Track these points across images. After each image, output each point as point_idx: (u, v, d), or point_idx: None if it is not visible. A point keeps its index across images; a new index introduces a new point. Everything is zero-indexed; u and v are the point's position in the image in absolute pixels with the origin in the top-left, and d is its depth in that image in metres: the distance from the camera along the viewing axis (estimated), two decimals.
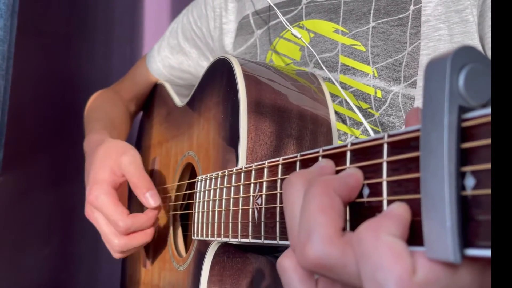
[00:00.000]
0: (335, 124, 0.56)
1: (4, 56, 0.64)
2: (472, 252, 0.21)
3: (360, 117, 0.53)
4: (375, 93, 0.56)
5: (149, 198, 0.59)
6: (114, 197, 0.59)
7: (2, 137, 0.69)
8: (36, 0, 0.96)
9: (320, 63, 0.58)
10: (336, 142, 0.55)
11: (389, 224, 0.23)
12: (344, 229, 0.26)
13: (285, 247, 0.51)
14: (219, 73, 0.58)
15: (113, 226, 0.59)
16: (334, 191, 0.27)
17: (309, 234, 0.25)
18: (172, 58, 0.86)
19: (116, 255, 0.62)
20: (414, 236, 0.24)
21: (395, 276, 0.22)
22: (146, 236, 0.60)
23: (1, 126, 0.68)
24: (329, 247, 0.25)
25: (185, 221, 0.71)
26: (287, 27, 0.62)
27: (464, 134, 0.22)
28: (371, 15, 0.58)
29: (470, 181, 0.21)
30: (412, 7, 0.56)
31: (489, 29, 0.51)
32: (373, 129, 0.56)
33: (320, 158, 0.33)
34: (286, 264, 0.29)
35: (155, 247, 0.72)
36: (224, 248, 0.51)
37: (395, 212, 0.24)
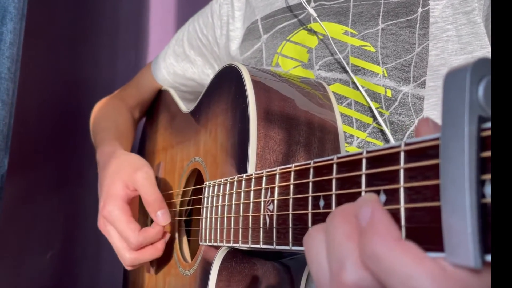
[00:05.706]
0: (342, 130, 0.57)
1: (13, 59, 0.65)
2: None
3: (373, 106, 0.54)
4: (385, 92, 0.57)
5: (160, 216, 0.62)
6: (127, 212, 0.61)
7: (9, 140, 0.69)
8: (42, 3, 0.96)
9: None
10: (343, 148, 0.56)
11: (390, 230, 0.24)
12: None
13: (293, 253, 0.52)
14: (228, 80, 0.59)
15: (125, 242, 0.61)
16: (354, 217, 0.27)
17: (342, 262, 0.25)
18: (177, 66, 0.87)
19: (127, 268, 0.64)
20: (432, 242, 0.24)
21: (427, 275, 0.22)
22: (156, 251, 0.62)
23: (8, 129, 0.68)
24: (365, 270, 0.25)
25: (190, 226, 0.71)
26: (305, 6, 0.63)
27: (484, 143, 0.22)
28: (380, 17, 0.59)
29: (489, 189, 0.22)
30: (420, 9, 0.57)
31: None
32: (381, 130, 0.57)
33: (334, 165, 0.33)
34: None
35: None
36: (232, 253, 0.51)
37: (385, 217, 0.25)
